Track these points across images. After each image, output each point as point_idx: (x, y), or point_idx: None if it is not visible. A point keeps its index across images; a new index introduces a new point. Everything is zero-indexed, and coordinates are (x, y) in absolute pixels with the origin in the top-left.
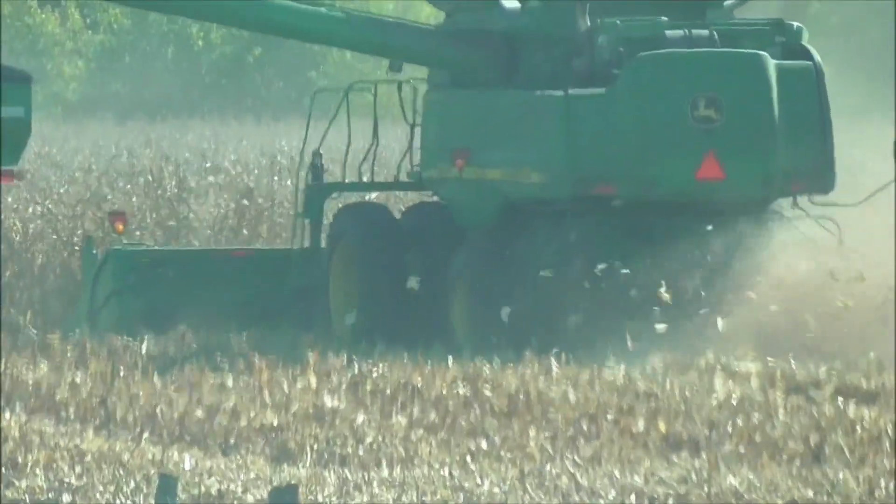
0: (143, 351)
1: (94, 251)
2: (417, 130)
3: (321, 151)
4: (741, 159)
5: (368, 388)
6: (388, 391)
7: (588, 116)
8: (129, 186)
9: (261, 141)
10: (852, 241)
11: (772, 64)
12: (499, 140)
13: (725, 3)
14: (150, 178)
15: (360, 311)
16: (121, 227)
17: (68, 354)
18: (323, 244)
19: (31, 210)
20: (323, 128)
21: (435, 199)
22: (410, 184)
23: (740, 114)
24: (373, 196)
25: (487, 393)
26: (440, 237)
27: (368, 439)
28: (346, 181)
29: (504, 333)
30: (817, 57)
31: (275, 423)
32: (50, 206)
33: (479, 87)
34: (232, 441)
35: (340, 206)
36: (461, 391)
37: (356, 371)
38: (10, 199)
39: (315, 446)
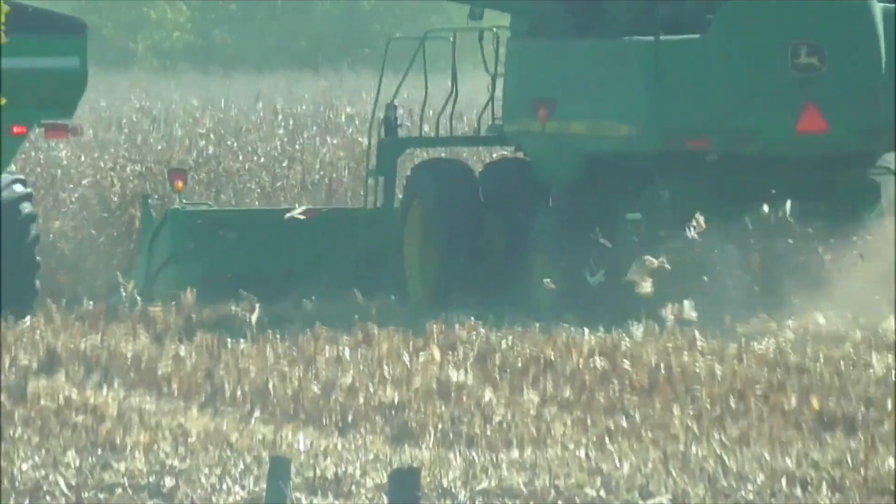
0: (253, 320)
1: (152, 211)
2: (499, 81)
3: (396, 104)
4: (845, 110)
5: (497, 361)
6: (519, 365)
7: (679, 64)
8: (235, 145)
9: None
10: None
11: (878, 7)
12: (584, 91)
13: None
14: (259, 135)
15: (436, 274)
16: (181, 185)
17: (171, 324)
18: (396, 204)
19: (129, 169)
20: (398, 79)
21: (516, 154)
22: (491, 138)
23: (844, 61)
24: (450, 152)
25: (626, 367)
26: (522, 195)
27: (497, 418)
28: (422, 136)
29: (588, 296)
30: None
31: (395, 401)
32: (151, 165)
33: (564, 35)
34: (349, 419)
35: (416, 162)
36: (598, 365)
37: (484, 343)
38: (106, 157)
39: (439, 425)
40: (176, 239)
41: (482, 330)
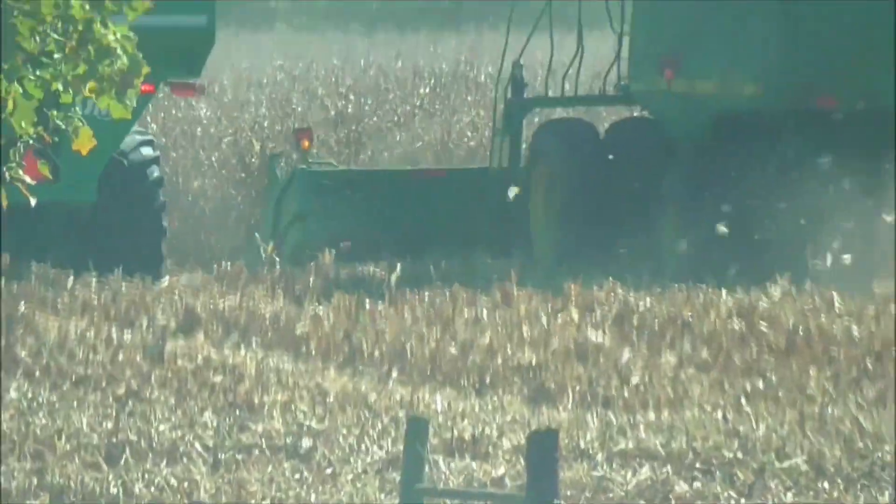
0: (393, 282)
1: (278, 171)
2: (625, 41)
3: (522, 63)
4: None
5: (635, 322)
6: (657, 326)
7: (808, 21)
8: (374, 104)
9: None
10: None
11: None
12: (711, 49)
13: None
14: (400, 94)
15: (562, 233)
16: (307, 143)
17: (310, 285)
18: (523, 163)
19: (267, 129)
20: (523, 39)
21: (643, 113)
22: (617, 97)
23: None
24: (577, 111)
25: (764, 329)
26: (648, 154)
27: (634, 379)
28: (549, 95)
29: (719, 254)
30: None
31: (533, 362)
32: (294, 123)
33: None
34: (487, 380)
35: (542, 122)
36: (735, 326)
37: (622, 304)
38: (246, 116)
39: (577, 387)
40: (302, 199)
41: (620, 291)
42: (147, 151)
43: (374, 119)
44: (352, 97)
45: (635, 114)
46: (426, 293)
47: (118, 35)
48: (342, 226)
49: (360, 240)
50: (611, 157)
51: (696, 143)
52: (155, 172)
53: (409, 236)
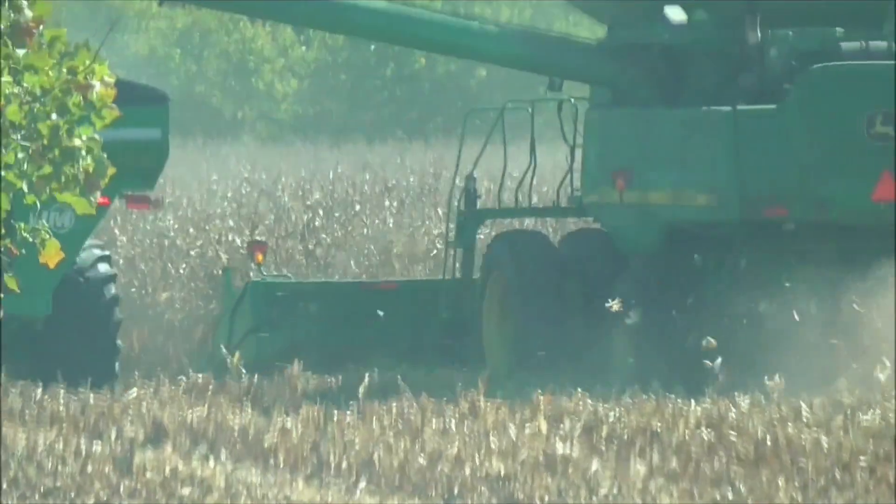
0: (360, 392)
1: (233, 283)
2: (578, 152)
3: (475, 175)
4: None
5: (604, 433)
6: (626, 436)
7: (757, 134)
8: (342, 217)
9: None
10: None
11: None
12: (663, 160)
13: None
14: (365, 208)
15: (515, 345)
16: (260, 257)
17: (277, 396)
18: (476, 275)
19: (235, 241)
20: (477, 151)
21: (595, 225)
22: (570, 209)
23: None
24: (530, 223)
25: (733, 438)
26: (601, 266)
27: (603, 490)
28: (502, 207)
29: (672, 362)
30: None
31: (502, 472)
32: (259, 237)
33: (643, 106)
34: (455, 491)
35: (495, 233)
36: (705, 436)
37: (591, 415)
38: (210, 228)
39: (546, 497)
40: (257, 311)
41: (589, 401)
42: (104, 268)
43: (341, 232)
44: (320, 211)
45: (589, 225)
46: (394, 404)
47: (84, 137)
48: (296, 338)
49: (314, 351)
50: (563, 268)
51: (648, 254)
52: (112, 290)
53: (362, 348)
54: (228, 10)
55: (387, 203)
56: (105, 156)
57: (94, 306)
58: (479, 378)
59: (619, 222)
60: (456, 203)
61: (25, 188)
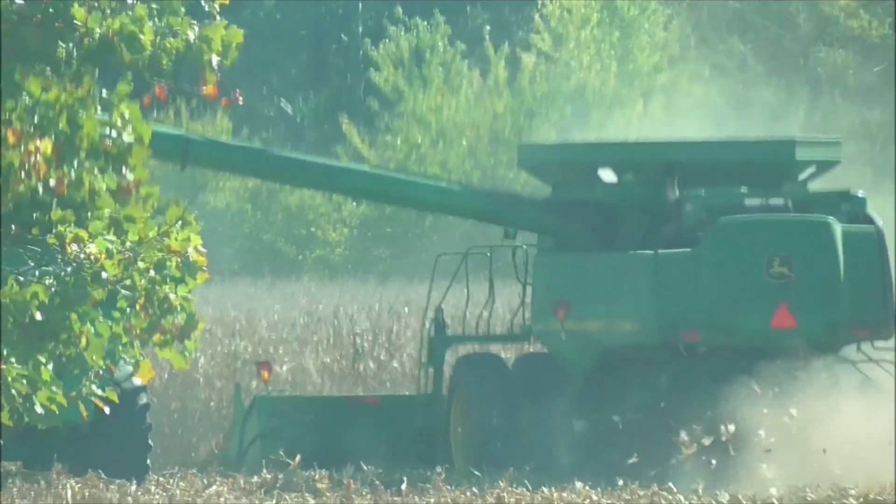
0: (403, 488)
1: (243, 397)
2: (529, 289)
3: (443, 307)
4: (810, 310)
5: None
6: None
7: (675, 273)
8: (384, 341)
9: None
10: None
11: (838, 228)
12: (597, 295)
13: (800, 177)
14: (407, 334)
15: (476, 451)
16: (266, 375)
17: (333, 491)
18: (444, 391)
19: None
20: (445, 287)
21: (543, 349)
22: (521, 335)
23: (810, 271)
24: (489, 347)
25: None
26: (548, 383)
27: None
28: (466, 334)
29: (606, 459)
30: (879, 222)
31: None
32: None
33: (581, 251)
34: None
35: (460, 356)
36: None
37: None
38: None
39: None
40: (262, 420)
41: (594, 496)
42: (137, 382)
43: (382, 354)
44: (367, 336)
45: (537, 350)
46: (431, 499)
47: (179, 295)
48: (296, 444)
49: (309, 454)
50: (516, 385)
51: (586, 372)
52: (143, 399)
53: (349, 453)
54: (239, 174)
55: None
56: (195, 313)
57: (129, 412)
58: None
59: (562, 346)
60: (427, 330)
61: (127, 339)
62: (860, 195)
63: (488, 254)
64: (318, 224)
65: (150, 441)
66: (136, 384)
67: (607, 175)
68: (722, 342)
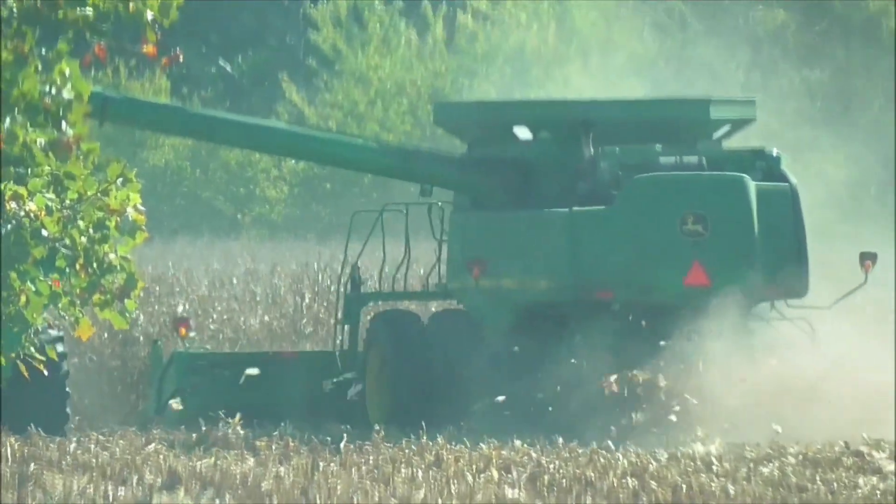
0: (342, 446)
1: (161, 353)
2: (444, 246)
3: (359, 265)
4: (724, 268)
5: (546, 481)
6: (564, 484)
7: (590, 231)
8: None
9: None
10: (825, 340)
11: (752, 186)
12: (512, 253)
13: (714, 134)
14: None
15: (391, 408)
16: (184, 331)
17: (273, 450)
18: (360, 347)
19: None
20: (361, 244)
21: (458, 306)
22: (437, 293)
23: (724, 228)
24: (404, 304)
25: (654, 486)
26: (462, 340)
27: None
28: (381, 291)
29: (516, 422)
30: (793, 180)
31: None
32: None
33: (497, 208)
34: None
35: (376, 313)
36: (630, 484)
37: (535, 465)
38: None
39: None
40: (179, 376)
41: (533, 454)
42: (54, 333)
43: (322, 312)
44: (307, 295)
45: (452, 306)
46: (370, 456)
47: (119, 255)
48: (213, 400)
49: (230, 410)
50: (431, 341)
51: (501, 329)
52: (60, 347)
53: (269, 409)
54: (156, 131)
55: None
56: (136, 273)
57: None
58: (440, 435)
59: (477, 304)
60: (343, 287)
61: (68, 300)
62: (775, 153)
63: (404, 211)
64: (258, 181)
65: (67, 388)
66: (54, 334)
67: (522, 132)
68: (636, 300)
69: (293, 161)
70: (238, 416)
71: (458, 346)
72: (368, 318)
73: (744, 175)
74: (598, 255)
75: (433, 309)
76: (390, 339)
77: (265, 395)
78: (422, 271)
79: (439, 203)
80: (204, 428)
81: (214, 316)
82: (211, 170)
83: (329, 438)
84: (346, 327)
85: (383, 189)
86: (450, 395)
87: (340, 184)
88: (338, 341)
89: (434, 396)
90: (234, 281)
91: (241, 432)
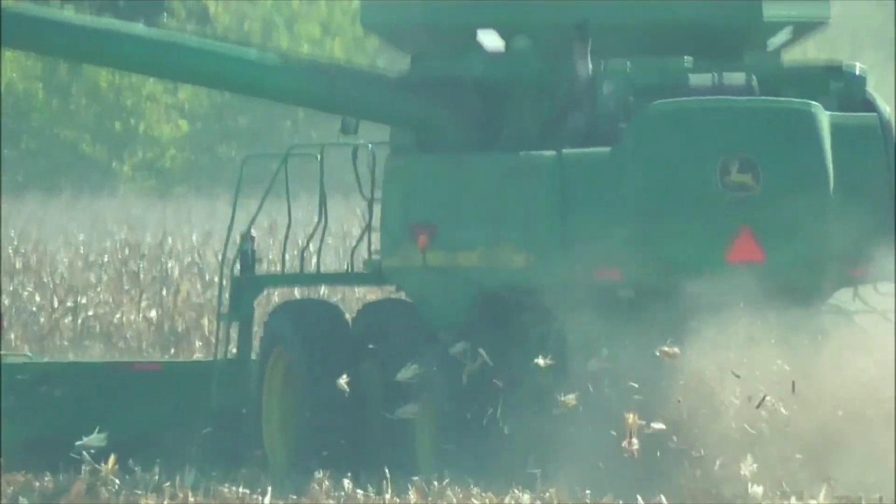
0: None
1: None
2: (377, 207)
3: (253, 234)
4: (784, 238)
5: None
6: None
7: (587, 182)
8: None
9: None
10: None
11: (825, 117)
12: (474, 215)
13: (770, 43)
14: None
15: (301, 436)
16: None
17: None
18: (255, 354)
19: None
20: (256, 204)
21: (398, 294)
22: (367, 275)
23: (783, 180)
24: (319, 292)
25: None
26: (404, 343)
27: None
28: (285, 273)
29: (485, 462)
30: (884, 108)
31: None
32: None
33: (451, 150)
34: None
35: (277, 304)
36: None
37: None
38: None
39: None
40: None
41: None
42: None
43: None
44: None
45: (389, 295)
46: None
47: None
48: (41, 429)
49: (61, 441)
50: (358, 346)
51: (458, 327)
52: None
53: (119, 438)
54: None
55: None
56: None
57: None
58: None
59: (424, 290)
60: (230, 267)
61: None
62: (858, 70)
63: (318, 156)
64: (142, 113)
65: None
66: None
67: (490, 40)
68: (654, 284)
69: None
70: (113, 458)
71: (397, 354)
72: (267, 311)
73: (812, 102)
74: (597, 218)
75: (361, 299)
76: (298, 344)
77: (113, 421)
78: (345, 244)
79: (369, 145)
80: (62, 476)
81: (77, 308)
82: (74, 96)
83: (243, 489)
84: (234, 324)
85: (328, 125)
86: (387, 427)
87: (262, 118)
88: (220, 346)
89: (364, 427)
90: (107, 258)
91: (117, 483)
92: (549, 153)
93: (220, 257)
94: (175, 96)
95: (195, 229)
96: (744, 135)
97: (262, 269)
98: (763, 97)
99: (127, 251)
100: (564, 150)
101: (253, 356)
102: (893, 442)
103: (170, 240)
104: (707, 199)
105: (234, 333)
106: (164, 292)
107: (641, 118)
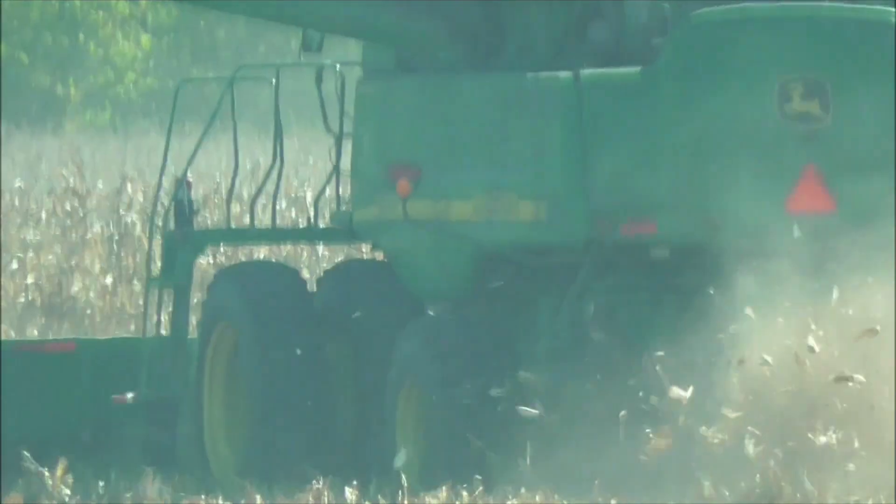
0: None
1: None
2: (347, 144)
3: (189, 179)
4: (858, 181)
5: None
6: None
7: (613, 112)
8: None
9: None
10: None
11: None
12: (469, 154)
13: None
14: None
15: (251, 430)
16: None
17: None
18: (193, 330)
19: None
20: (194, 140)
21: (373, 254)
22: (333, 231)
23: (858, 109)
24: (274, 252)
25: None
26: (380, 314)
27: None
28: (231, 227)
29: (475, 462)
30: None
31: None
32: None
33: (440, 71)
34: None
35: (221, 267)
36: None
37: None
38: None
39: None
40: None
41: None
42: None
43: None
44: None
45: (361, 255)
46: None
47: None
48: None
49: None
50: (322, 319)
51: (448, 295)
52: None
53: (28, 428)
54: None
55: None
56: None
57: None
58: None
59: (406, 249)
60: (161, 220)
61: None
62: None
63: (273, 81)
64: (95, 28)
65: None
66: None
67: None
68: (696, 240)
69: None
70: (62, 464)
71: (371, 331)
72: (209, 276)
73: (893, 11)
74: (625, 158)
75: (326, 260)
76: (247, 318)
77: (12, 415)
78: (305, 192)
79: (337, 66)
80: None
81: (13, 274)
82: (10, 8)
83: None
84: (168, 291)
85: (282, 40)
86: (363, 419)
87: (246, 30)
88: (149, 320)
89: (330, 423)
90: (53, 207)
91: (67, 495)
92: (565, 74)
93: (148, 209)
94: (135, 3)
95: (154, 172)
96: (809, 51)
97: (202, 222)
98: (833, 3)
99: (76, 202)
100: (583, 71)
101: (191, 333)
102: None
103: (129, 187)
104: (762, 134)
105: (167, 303)
106: (122, 253)
107: (680, 31)
